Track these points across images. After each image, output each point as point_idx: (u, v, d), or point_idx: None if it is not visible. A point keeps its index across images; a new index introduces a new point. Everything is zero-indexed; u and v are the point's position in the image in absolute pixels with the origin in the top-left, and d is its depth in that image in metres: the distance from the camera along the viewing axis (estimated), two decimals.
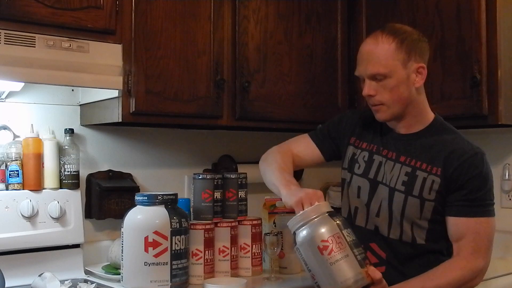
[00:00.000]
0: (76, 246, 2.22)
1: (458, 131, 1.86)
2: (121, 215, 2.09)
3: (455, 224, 1.77)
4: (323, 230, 1.60)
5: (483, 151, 1.80)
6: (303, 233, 1.62)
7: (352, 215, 1.91)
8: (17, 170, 2.12)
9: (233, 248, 2.25)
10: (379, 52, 1.75)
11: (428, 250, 1.81)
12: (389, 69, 1.74)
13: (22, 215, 2.09)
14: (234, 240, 2.26)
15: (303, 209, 1.64)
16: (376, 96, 1.78)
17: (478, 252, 1.75)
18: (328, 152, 2.03)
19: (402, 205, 1.80)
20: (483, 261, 1.75)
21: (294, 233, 1.65)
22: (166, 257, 1.98)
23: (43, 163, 2.19)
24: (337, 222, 1.62)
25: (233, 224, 2.27)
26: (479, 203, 1.76)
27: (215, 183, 2.26)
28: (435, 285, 1.72)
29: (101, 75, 2.02)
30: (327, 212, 1.64)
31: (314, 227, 1.61)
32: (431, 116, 1.87)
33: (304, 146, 2.03)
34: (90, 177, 2.36)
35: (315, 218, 1.62)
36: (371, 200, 1.86)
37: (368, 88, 1.78)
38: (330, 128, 2.03)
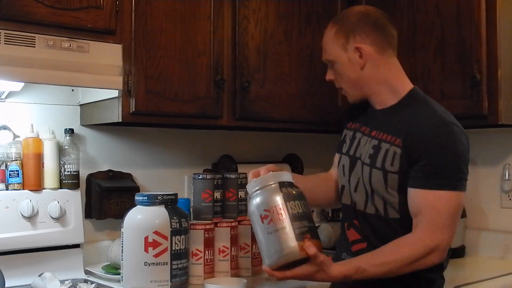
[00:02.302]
0: (76, 246, 2.22)
1: (432, 102, 1.81)
2: (121, 215, 2.10)
3: (412, 196, 1.69)
4: (268, 199, 1.58)
5: (454, 122, 1.72)
6: (252, 199, 1.62)
7: (340, 194, 1.93)
8: (17, 170, 2.12)
9: (233, 248, 2.25)
10: (325, 40, 1.90)
11: (403, 226, 1.73)
12: (333, 55, 1.86)
13: (22, 215, 2.09)
14: (234, 240, 2.26)
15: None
16: (335, 81, 1.91)
17: (434, 228, 1.64)
18: None
19: (369, 177, 1.79)
20: (441, 237, 1.65)
21: (249, 198, 1.66)
22: (166, 257, 1.98)
23: (43, 163, 2.19)
24: (285, 192, 1.59)
25: (233, 224, 2.28)
26: (439, 176, 1.66)
27: (215, 183, 2.26)
28: (382, 262, 1.63)
29: (101, 75, 2.02)
30: (279, 182, 1.61)
31: (262, 195, 1.60)
32: (406, 89, 1.84)
33: (335, 162, 2.04)
34: (90, 177, 2.36)
35: (266, 186, 1.60)
36: (351, 176, 1.88)
37: (328, 74, 1.92)
38: (342, 129, 2.03)
